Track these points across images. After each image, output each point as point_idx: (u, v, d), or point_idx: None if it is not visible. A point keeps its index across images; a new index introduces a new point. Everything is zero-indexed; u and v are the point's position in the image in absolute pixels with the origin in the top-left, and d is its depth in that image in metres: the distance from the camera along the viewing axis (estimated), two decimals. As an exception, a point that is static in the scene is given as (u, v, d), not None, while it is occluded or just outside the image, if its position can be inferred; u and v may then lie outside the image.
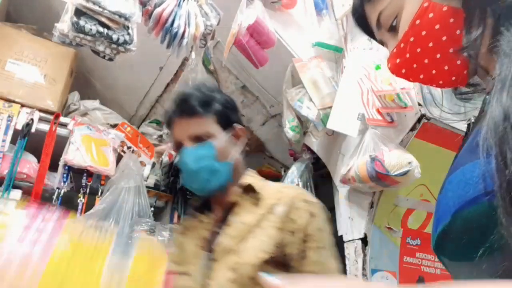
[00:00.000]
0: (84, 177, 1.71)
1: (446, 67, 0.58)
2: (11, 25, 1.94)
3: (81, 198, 1.68)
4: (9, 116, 1.68)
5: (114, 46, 1.43)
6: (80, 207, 1.66)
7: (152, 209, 1.95)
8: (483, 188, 0.43)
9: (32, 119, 1.71)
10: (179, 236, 1.09)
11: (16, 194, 1.60)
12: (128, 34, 1.44)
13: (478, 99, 0.60)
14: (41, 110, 1.78)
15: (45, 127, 1.75)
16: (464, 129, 0.70)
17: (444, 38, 0.57)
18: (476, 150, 0.46)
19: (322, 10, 1.95)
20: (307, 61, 1.87)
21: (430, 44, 0.58)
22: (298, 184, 1.96)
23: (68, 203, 1.76)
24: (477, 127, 0.53)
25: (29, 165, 1.68)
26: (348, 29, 1.84)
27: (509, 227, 0.38)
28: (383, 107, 1.65)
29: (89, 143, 1.76)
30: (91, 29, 1.36)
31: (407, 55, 0.60)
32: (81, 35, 1.37)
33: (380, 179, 1.53)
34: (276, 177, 2.37)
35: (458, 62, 0.58)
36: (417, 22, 0.58)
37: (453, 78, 0.59)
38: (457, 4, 0.56)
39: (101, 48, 1.43)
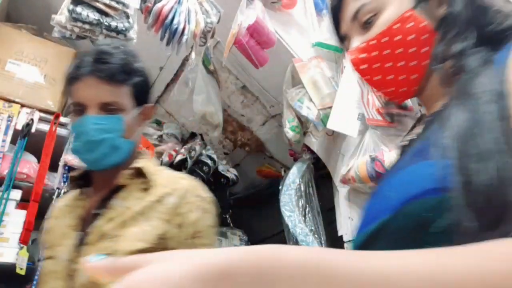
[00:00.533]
0: (84, 177, 1.71)
1: (402, 77, 0.63)
2: (11, 25, 1.94)
3: (81, 198, 1.68)
4: (9, 116, 1.68)
5: (113, 34, 1.40)
6: (80, 207, 1.66)
7: (152, 209, 1.95)
8: (433, 184, 0.46)
9: (32, 119, 1.71)
10: (51, 220, 0.98)
11: (16, 194, 1.60)
12: (128, 22, 1.42)
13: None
14: (41, 110, 1.78)
15: (45, 127, 1.75)
16: None
17: (413, 49, 0.61)
18: (419, 155, 0.51)
19: (322, 10, 1.95)
20: (307, 61, 1.87)
21: (399, 50, 0.61)
22: (299, 185, 1.96)
23: (68, 203, 1.76)
24: (420, 138, 0.57)
25: (29, 165, 1.68)
26: (348, 29, 1.84)
27: (466, 220, 0.41)
28: (383, 107, 1.64)
29: (89, 143, 1.76)
30: (88, 16, 1.33)
31: (374, 53, 0.63)
32: (79, 24, 1.34)
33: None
34: (276, 177, 2.37)
35: (414, 76, 0.62)
36: (396, 26, 0.61)
37: (404, 89, 0.64)
38: (433, 25, 0.61)
39: (100, 38, 1.40)
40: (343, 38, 0.70)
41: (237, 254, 0.32)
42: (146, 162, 0.94)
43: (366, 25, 0.64)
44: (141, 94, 0.94)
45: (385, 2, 0.63)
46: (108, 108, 0.88)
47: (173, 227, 0.84)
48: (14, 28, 1.91)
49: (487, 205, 0.41)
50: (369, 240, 0.54)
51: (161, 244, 0.81)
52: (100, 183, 0.92)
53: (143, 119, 0.97)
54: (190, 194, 0.89)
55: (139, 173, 0.90)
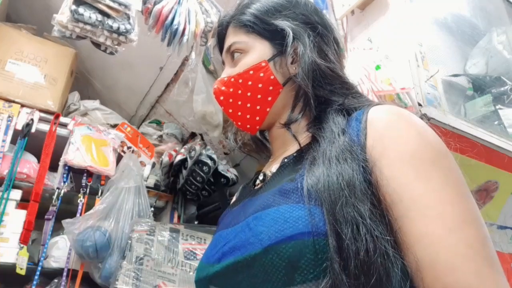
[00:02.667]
0: (84, 177, 1.71)
1: (248, 116, 0.72)
2: (11, 25, 1.94)
3: (81, 198, 1.68)
4: (9, 116, 1.68)
5: (115, 36, 1.40)
6: (80, 207, 1.66)
7: (152, 209, 1.95)
8: (304, 227, 0.50)
9: (32, 119, 1.71)
10: None
11: (16, 194, 1.60)
12: (129, 23, 1.42)
13: None
14: (41, 110, 1.78)
15: (45, 127, 1.75)
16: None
17: (259, 96, 0.70)
18: (289, 196, 0.56)
19: (322, 10, 1.95)
20: (307, 61, 1.87)
21: (249, 94, 0.70)
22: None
23: (68, 203, 1.76)
24: (282, 179, 0.63)
25: (29, 165, 1.68)
26: (348, 29, 1.84)
27: (335, 263, 0.47)
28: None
29: (89, 143, 1.76)
30: (90, 17, 1.33)
31: (231, 89, 0.72)
32: (81, 25, 1.34)
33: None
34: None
35: (258, 118, 0.72)
36: (251, 72, 0.70)
37: (248, 126, 0.74)
38: (280, 80, 0.70)
39: (101, 39, 1.40)
40: (223, 62, 0.79)
41: None
42: None
43: (234, 61, 0.73)
44: None
45: (252, 46, 0.71)
46: None
47: None
48: (14, 28, 1.91)
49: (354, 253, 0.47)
50: (233, 267, 0.57)
51: None
52: None
53: None
54: None
55: None
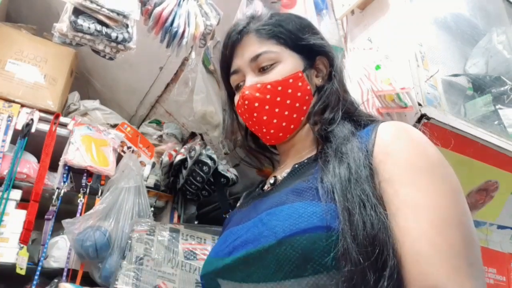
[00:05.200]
0: (84, 177, 1.71)
1: (284, 124, 0.74)
2: (11, 25, 1.94)
3: (81, 198, 1.68)
4: (9, 116, 1.68)
5: (113, 44, 1.42)
6: (80, 207, 1.66)
7: (152, 209, 1.95)
8: (319, 222, 0.54)
9: (32, 119, 1.71)
10: None
11: (16, 194, 1.60)
12: (128, 32, 1.43)
13: None
14: (41, 110, 1.78)
15: (45, 127, 1.75)
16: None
17: (297, 104, 0.73)
18: (303, 195, 0.60)
19: (322, 10, 1.95)
20: (307, 61, 1.87)
21: (288, 101, 0.72)
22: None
23: (68, 203, 1.76)
24: (295, 181, 0.66)
25: (29, 165, 1.68)
26: (348, 29, 1.84)
27: (351, 253, 0.50)
28: (383, 107, 1.64)
29: (89, 143, 1.76)
30: (89, 28, 1.35)
31: (268, 96, 0.73)
32: (80, 34, 1.36)
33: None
34: (276, 177, 2.37)
35: (292, 126, 0.74)
36: (290, 80, 0.73)
37: (281, 134, 0.75)
38: (312, 90, 0.76)
39: (100, 47, 1.42)
40: (233, 71, 0.79)
41: None
42: None
43: (262, 70, 0.74)
44: None
45: (283, 56, 0.74)
46: None
47: None
48: (14, 28, 1.91)
49: (366, 242, 0.51)
50: (245, 260, 0.60)
51: None
52: None
53: None
54: None
55: None
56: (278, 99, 0.72)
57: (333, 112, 0.72)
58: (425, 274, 0.49)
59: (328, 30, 1.92)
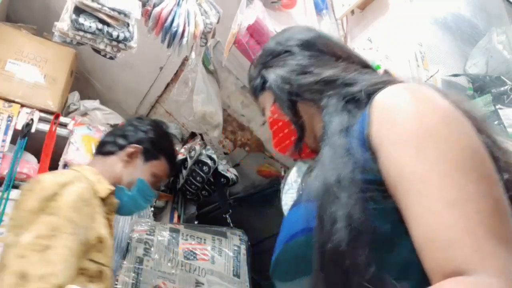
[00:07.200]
0: (84, 177, 1.71)
1: (287, 141, 0.85)
2: (11, 25, 1.94)
3: (81, 198, 1.67)
4: (9, 116, 1.68)
5: (114, 43, 1.42)
6: (80, 207, 1.66)
7: (152, 209, 1.95)
8: (302, 225, 0.56)
9: (32, 119, 1.71)
10: None
11: (16, 194, 1.60)
12: (129, 31, 1.43)
13: None
14: (41, 110, 1.78)
15: (45, 127, 1.75)
16: None
17: (286, 130, 0.84)
18: (299, 197, 0.62)
19: (322, 10, 1.95)
20: (307, 61, 1.87)
21: (286, 131, 0.84)
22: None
23: (68, 203, 1.76)
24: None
25: (29, 165, 1.68)
26: (348, 29, 1.84)
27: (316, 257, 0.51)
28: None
29: (89, 143, 1.76)
30: (90, 26, 1.35)
31: (275, 128, 0.87)
32: (81, 33, 1.36)
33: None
34: (276, 177, 2.37)
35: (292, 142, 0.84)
36: (270, 120, 0.87)
37: (289, 148, 0.86)
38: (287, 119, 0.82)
39: (101, 46, 1.42)
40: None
41: None
42: None
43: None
44: None
45: (265, 102, 0.88)
46: None
47: None
48: (14, 28, 1.91)
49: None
50: (276, 265, 0.63)
51: None
52: None
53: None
54: None
55: None
56: (275, 128, 0.91)
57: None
58: (440, 263, 0.43)
59: (328, 30, 1.92)
